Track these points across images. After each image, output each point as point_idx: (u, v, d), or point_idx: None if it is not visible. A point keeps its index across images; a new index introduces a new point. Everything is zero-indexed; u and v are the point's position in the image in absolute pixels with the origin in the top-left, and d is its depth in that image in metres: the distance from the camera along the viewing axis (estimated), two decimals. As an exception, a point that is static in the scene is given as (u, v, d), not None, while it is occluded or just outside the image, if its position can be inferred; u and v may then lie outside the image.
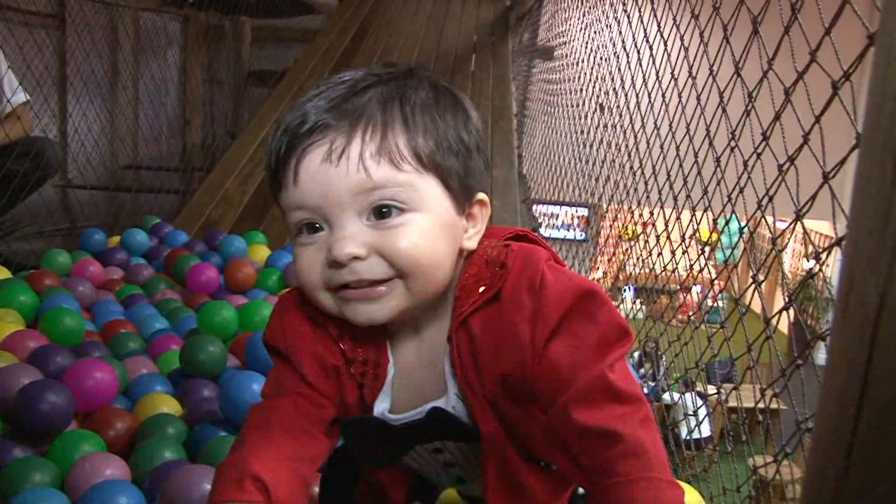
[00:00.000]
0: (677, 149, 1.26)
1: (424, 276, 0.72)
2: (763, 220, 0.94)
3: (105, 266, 2.08)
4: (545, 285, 0.72)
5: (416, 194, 0.71)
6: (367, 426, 0.82)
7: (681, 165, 1.24)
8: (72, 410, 1.18)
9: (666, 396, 4.67)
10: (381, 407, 0.81)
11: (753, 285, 1.01)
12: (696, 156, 1.16)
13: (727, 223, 1.20)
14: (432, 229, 0.72)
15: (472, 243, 0.77)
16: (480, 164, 0.77)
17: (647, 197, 1.44)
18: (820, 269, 0.86)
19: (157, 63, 4.68)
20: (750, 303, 1.07)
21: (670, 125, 1.31)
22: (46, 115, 3.31)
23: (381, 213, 0.71)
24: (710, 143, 1.11)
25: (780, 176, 0.88)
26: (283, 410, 0.79)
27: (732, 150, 1.02)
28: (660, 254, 1.48)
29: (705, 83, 1.10)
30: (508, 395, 0.76)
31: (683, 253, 1.34)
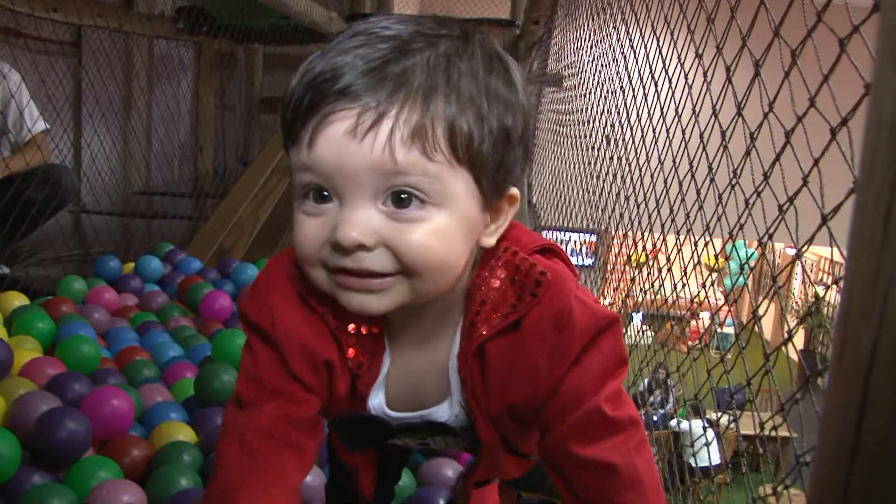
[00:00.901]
0: (680, 185, 1.29)
1: (433, 277, 0.66)
2: (763, 257, 0.97)
3: (119, 293, 2.12)
4: (571, 321, 0.69)
5: (442, 188, 0.64)
6: (360, 421, 0.79)
7: (683, 200, 1.27)
8: (90, 438, 1.21)
9: (673, 423, 4.66)
10: (376, 401, 0.78)
11: (756, 318, 1.04)
12: (697, 192, 1.19)
13: (727, 257, 1.22)
14: (451, 229, 0.65)
15: (490, 240, 0.71)
16: (519, 153, 0.69)
17: (651, 230, 1.47)
18: (817, 308, 0.89)
19: (171, 89, 4.76)
20: (750, 336, 1.09)
21: (674, 160, 1.34)
22: (64, 142, 3.38)
23: (400, 199, 0.63)
24: (712, 180, 1.14)
25: (781, 215, 0.91)
26: (266, 424, 0.74)
27: (733, 187, 1.05)
28: (661, 285, 1.51)
29: (708, 122, 1.13)
30: (511, 417, 0.76)
31: (684, 286, 1.37)
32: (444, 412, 0.78)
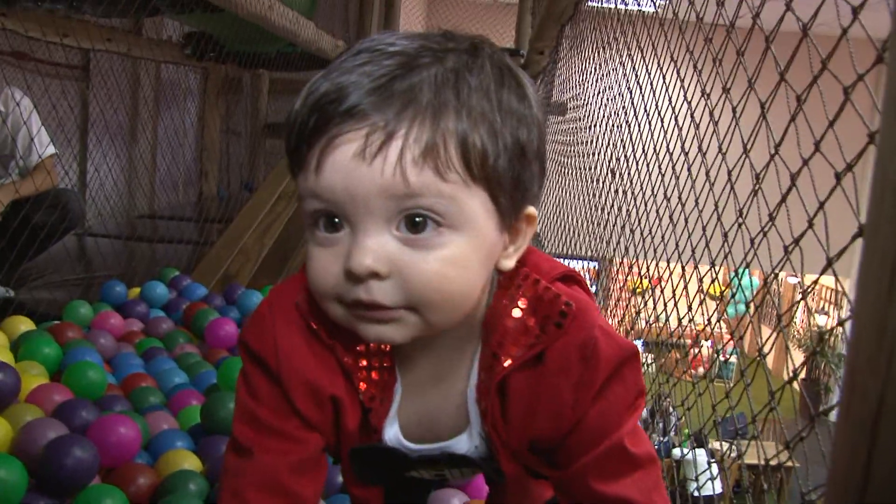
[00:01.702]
0: (686, 221, 1.30)
1: (447, 308, 0.63)
2: (767, 294, 0.98)
3: (125, 318, 2.12)
4: (597, 353, 0.68)
5: (459, 209, 0.60)
6: (377, 454, 0.77)
7: (689, 237, 1.29)
8: (97, 465, 1.21)
9: (676, 452, 4.64)
10: (391, 432, 0.76)
11: (762, 356, 1.05)
12: (704, 230, 1.20)
13: (733, 292, 1.24)
14: (469, 254, 0.62)
15: (509, 263, 0.68)
16: (536, 169, 0.66)
17: (657, 264, 1.49)
18: (819, 353, 0.90)
19: (178, 114, 4.80)
20: (756, 372, 1.10)
21: (679, 197, 1.36)
22: (71, 166, 3.40)
23: (415, 223, 0.60)
24: (719, 219, 1.16)
25: (786, 256, 0.92)
26: (264, 479, 0.72)
27: (740, 226, 1.07)
28: (667, 318, 1.53)
29: (714, 162, 1.15)
30: (532, 450, 0.75)
31: (691, 321, 1.38)
32: (464, 444, 0.76)
